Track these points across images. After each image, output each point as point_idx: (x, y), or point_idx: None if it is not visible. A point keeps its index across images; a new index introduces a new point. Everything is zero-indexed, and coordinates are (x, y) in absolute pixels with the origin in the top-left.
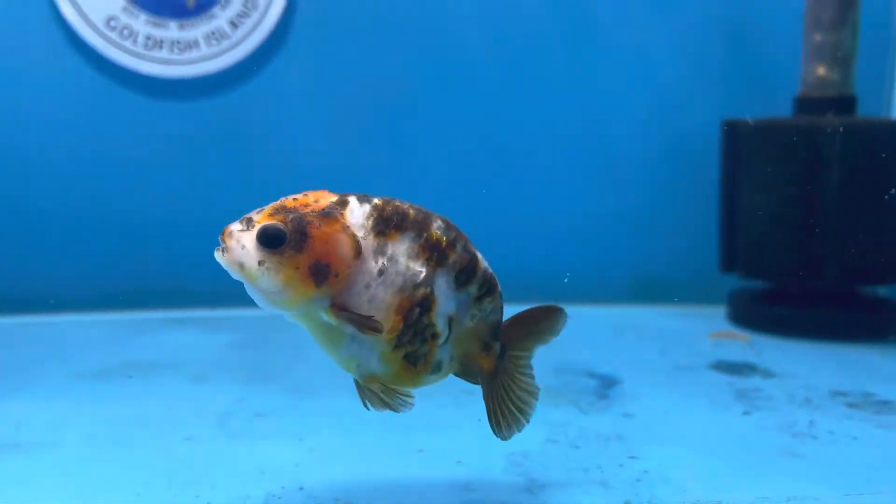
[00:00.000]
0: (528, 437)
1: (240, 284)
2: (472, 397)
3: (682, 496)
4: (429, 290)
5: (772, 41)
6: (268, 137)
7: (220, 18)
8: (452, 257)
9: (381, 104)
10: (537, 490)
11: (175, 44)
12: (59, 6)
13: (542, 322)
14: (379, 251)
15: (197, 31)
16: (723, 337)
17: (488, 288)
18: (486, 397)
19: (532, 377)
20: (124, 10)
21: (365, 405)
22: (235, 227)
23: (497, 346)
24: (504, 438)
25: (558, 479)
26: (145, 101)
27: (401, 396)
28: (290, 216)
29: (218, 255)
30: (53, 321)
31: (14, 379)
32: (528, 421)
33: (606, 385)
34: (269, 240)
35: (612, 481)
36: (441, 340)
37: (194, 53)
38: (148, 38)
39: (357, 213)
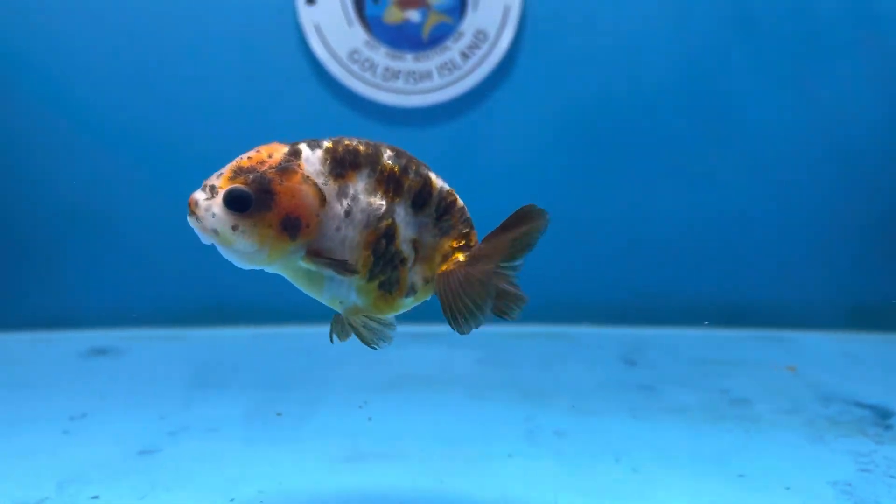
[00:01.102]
0: (839, 465)
1: None
2: (759, 424)
3: None
4: (391, 220)
5: None
6: (492, 164)
7: (453, 50)
8: (407, 183)
9: (606, 128)
10: None
11: (410, 74)
12: (309, 41)
13: (522, 226)
14: (341, 193)
15: (431, 62)
16: None
17: (446, 206)
18: (439, 293)
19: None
20: (366, 43)
21: (331, 339)
22: (200, 196)
23: (461, 257)
24: (462, 333)
25: None
26: (381, 129)
27: (383, 328)
28: (251, 176)
29: (191, 221)
30: (298, 332)
31: (299, 390)
32: (484, 314)
33: (882, 415)
34: (237, 203)
35: None
36: (410, 264)
37: (427, 84)
38: (386, 69)
39: (313, 161)
